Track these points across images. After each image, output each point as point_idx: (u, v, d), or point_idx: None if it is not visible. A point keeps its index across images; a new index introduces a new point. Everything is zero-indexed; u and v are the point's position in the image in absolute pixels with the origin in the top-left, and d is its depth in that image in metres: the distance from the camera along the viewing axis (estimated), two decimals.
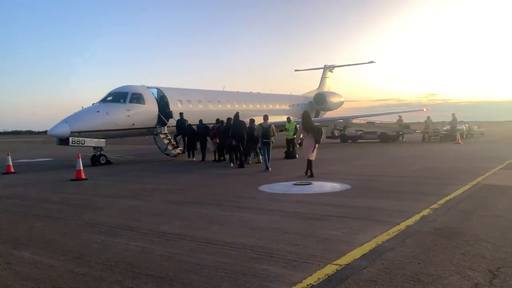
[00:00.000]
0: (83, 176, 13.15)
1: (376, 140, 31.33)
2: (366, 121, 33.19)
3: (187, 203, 8.39)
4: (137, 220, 6.86)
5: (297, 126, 18.88)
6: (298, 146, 13.57)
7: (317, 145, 12.28)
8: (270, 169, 14.41)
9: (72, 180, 12.94)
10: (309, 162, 12.24)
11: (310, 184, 10.20)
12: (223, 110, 24.73)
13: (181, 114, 20.87)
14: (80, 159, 13.27)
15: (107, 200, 9.11)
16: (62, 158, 23.03)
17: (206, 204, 8.18)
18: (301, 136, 13.27)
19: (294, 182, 10.50)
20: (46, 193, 10.45)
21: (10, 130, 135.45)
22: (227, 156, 17.76)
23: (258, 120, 21.83)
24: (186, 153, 20.39)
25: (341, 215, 6.77)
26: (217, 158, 18.73)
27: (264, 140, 14.98)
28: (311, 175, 11.98)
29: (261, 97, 31.66)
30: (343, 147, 26.80)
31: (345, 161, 17.08)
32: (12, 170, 16.18)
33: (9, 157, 16.45)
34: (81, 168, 13.21)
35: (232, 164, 16.73)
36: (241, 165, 16.07)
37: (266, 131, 15.07)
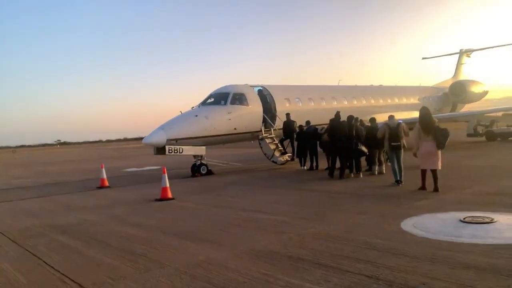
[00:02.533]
0: (169, 195, 10.82)
1: None
2: (502, 113, 26.29)
3: (285, 259, 5.12)
4: None
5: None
6: (415, 155, 9.87)
7: (440, 151, 9.46)
8: (402, 183, 10.58)
9: (157, 199, 10.70)
10: (433, 173, 9.46)
11: (491, 221, 6.15)
12: (339, 108, 20.99)
13: (287, 115, 17.84)
14: (166, 175, 10.95)
15: (175, 243, 6.29)
16: (170, 167, 21.66)
17: (315, 265, 4.82)
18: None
19: (462, 217, 6.51)
20: (113, 224, 8.13)
21: (138, 136, 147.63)
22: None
23: (381, 119, 17.93)
24: (297, 159, 17.20)
25: None
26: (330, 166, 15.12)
27: (393, 144, 11.11)
28: (436, 189, 9.31)
29: (384, 90, 27.09)
30: (493, 149, 20.92)
31: (510, 171, 12.17)
32: (107, 184, 14.78)
33: (103, 170, 15.09)
34: (167, 185, 10.89)
35: (352, 175, 13.26)
36: (331, 174, 13.38)
37: (394, 131, 11.15)
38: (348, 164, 13.74)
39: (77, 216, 9.20)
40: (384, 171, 13.56)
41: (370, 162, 14.04)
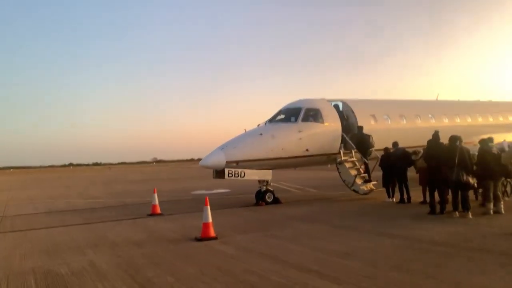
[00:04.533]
0: (211, 233, 8.63)
1: None
2: None
3: None
4: None
5: None
6: None
7: None
8: None
9: (197, 239, 8.56)
10: None
11: None
12: (438, 127, 17.44)
13: (359, 127, 15.42)
14: (208, 207, 8.79)
15: None
16: (239, 190, 19.77)
17: None
18: None
19: None
20: (117, 277, 6.07)
21: None
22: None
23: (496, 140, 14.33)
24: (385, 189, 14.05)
25: None
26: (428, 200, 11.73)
27: None
28: None
29: (495, 107, 22.58)
30: None
31: None
32: (158, 211, 13.12)
33: (155, 195, 13.45)
34: (209, 221, 8.70)
35: (457, 214, 10.08)
36: (432, 211, 10.66)
37: None
38: (447, 197, 10.65)
39: (91, 258, 7.38)
40: (502, 210, 10.18)
41: (483, 197, 10.66)
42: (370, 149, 14.86)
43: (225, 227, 9.70)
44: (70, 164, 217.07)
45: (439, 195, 10.76)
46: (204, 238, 8.51)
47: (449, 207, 10.54)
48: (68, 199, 20.95)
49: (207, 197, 8.95)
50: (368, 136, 14.91)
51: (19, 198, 22.94)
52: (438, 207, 10.67)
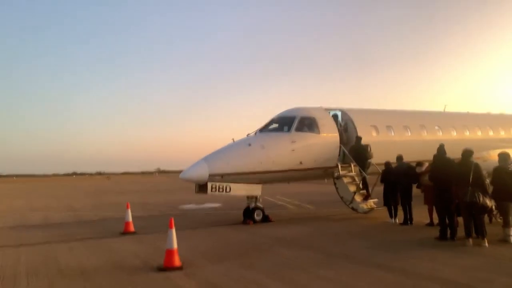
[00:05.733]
0: (176, 262, 7.19)
1: None
2: None
3: None
4: None
5: None
6: None
7: None
8: None
9: (159, 269, 7.13)
10: None
11: None
12: (445, 140, 16.02)
13: (357, 138, 14.07)
14: (174, 230, 7.39)
15: None
16: (233, 205, 18.30)
17: None
18: None
19: None
20: None
21: None
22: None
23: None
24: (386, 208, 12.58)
25: None
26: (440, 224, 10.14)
27: None
28: None
29: (508, 120, 21.10)
30: None
31: None
32: (132, 229, 11.72)
33: (129, 210, 12.04)
34: (174, 247, 7.27)
35: (470, 241, 8.62)
36: (442, 236, 9.20)
37: None
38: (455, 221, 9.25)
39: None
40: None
41: (504, 222, 9.16)
42: (369, 161, 13.45)
43: (198, 252, 8.31)
44: (73, 173, 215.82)
45: (449, 219, 9.30)
46: (166, 268, 7.08)
47: (460, 231, 9.08)
48: (48, 211, 19.55)
49: (172, 218, 7.53)
50: (366, 146, 13.56)
51: None
52: (448, 232, 9.24)
